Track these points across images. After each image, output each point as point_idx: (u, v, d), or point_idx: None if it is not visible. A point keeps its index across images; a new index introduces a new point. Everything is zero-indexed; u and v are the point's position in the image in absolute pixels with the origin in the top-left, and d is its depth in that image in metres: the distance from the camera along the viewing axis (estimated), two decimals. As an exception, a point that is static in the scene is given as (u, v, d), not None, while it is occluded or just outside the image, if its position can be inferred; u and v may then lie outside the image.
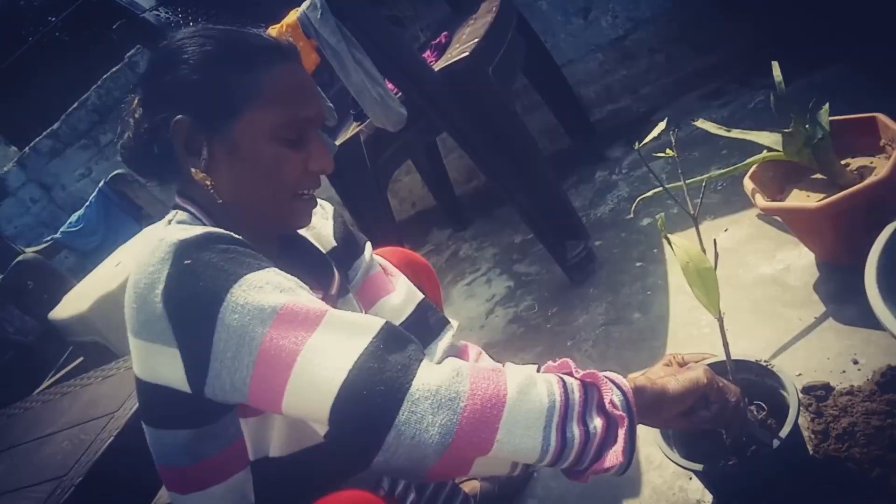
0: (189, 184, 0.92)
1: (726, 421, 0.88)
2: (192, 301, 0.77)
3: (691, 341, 1.43)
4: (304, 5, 1.54)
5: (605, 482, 1.25)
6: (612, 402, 0.77)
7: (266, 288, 0.76)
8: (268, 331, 0.74)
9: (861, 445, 0.97)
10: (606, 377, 0.80)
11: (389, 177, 2.03)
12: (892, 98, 1.70)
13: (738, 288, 1.47)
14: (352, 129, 1.94)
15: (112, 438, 1.19)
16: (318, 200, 1.18)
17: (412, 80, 1.65)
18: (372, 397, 0.71)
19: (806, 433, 1.07)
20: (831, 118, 1.28)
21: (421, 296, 1.16)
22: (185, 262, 0.77)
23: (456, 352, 1.12)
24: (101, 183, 3.25)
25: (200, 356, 0.76)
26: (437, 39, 2.05)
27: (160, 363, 0.80)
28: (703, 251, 0.93)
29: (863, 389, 1.06)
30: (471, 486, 1.36)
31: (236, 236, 0.83)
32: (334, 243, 1.13)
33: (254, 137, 0.88)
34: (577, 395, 0.76)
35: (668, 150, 1.03)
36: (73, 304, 2.50)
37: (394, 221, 2.07)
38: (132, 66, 3.29)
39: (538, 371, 0.83)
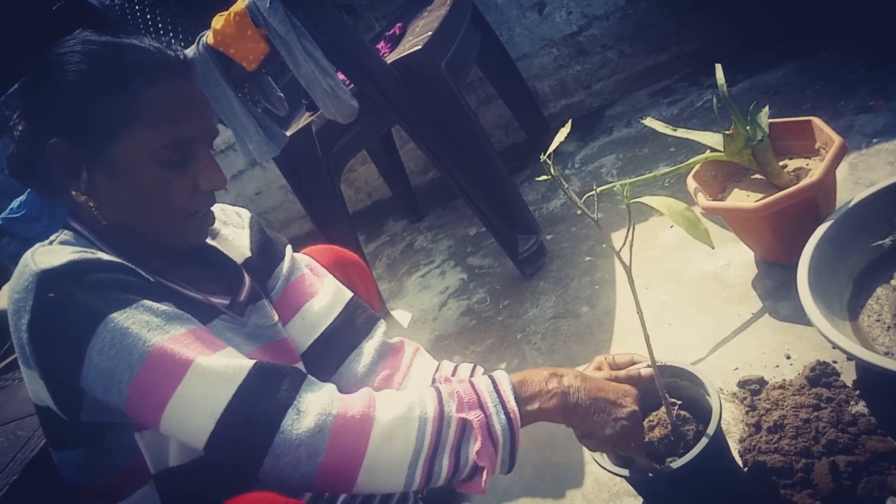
0: (75, 203, 0.89)
1: (615, 447, 0.90)
2: (57, 337, 0.77)
3: (635, 335, 1.46)
4: (254, -7, 1.50)
5: (551, 474, 1.28)
6: (493, 433, 0.80)
7: (132, 329, 0.75)
8: (135, 376, 0.75)
9: (790, 437, 1.01)
10: (499, 394, 0.83)
11: (342, 168, 2.01)
12: (836, 99, 1.77)
13: (680, 283, 1.52)
14: (304, 120, 1.92)
15: (49, 435, 1.15)
16: (235, 208, 1.16)
17: (363, 73, 1.64)
18: (239, 448, 0.75)
19: (740, 425, 1.11)
20: (771, 120, 1.33)
21: (349, 295, 1.15)
22: (49, 294, 0.76)
23: (389, 349, 1.11)
24: (44, 168, 3.15)
25: (70, 389, 0.78)
26: (392, 30, 2.04)
27: (37, 388, 0.81)
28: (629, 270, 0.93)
29: (794, 383, 1.10)
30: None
31: (109, 260, 0.81)
32: (249, 254, 1.09)
33: (134, 160, 0.85)
34: (452, 430, 0.80)
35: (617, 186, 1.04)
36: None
37: (346, 212, 2.06)
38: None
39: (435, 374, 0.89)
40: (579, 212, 1.84)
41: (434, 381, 1.08)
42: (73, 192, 0.86)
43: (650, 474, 0.92)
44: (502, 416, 0.82)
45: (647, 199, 0.92)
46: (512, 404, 0.83)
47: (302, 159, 1.89)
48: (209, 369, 0.76)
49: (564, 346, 1.58)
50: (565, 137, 0.94)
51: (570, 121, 1.00)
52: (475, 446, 0.80)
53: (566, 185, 0.93)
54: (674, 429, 0.97)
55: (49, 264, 0.78)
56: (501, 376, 0.87)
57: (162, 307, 0.79)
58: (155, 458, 0.86)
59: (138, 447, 0.85)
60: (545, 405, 0.85)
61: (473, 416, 0.81)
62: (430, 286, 2.24)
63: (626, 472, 0.95)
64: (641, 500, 1.12)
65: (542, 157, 0.90)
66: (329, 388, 0.81)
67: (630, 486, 1.12)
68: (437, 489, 1.35)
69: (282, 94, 1.74)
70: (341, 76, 1.69)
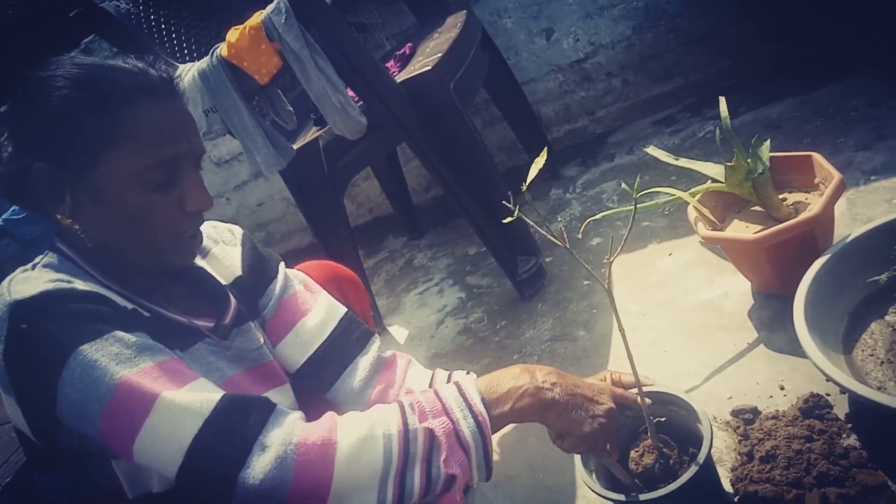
0: (61, 225, 0.89)
1: (591, 447, 0.91)
2: (30, 368, 0.78)
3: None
4: (269, 8, 1.53)
5: (543, 497, 1.28)
6: (462, 439, 0.81)
7: (101, 362, 0.76)
8: (104, 409, 0.75)
9: (781, 468, 1.02)
10: (465, 399, 0.83)
11: (347, 183, 2.03)
12: (836, 136, 1.80)
13: (677, 311, 1.53)
14: (311, 134, 1.94)
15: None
16: (227, 226, 1.16)
17: (373, 91, 1.67)
18: (206, 483, 0.75)
19: (732, 454, 1.12)
20: (772, 154, 1.35)
21: (343, 311, 1.15)
22: (21, 325, 0.77)
23: (383, 364, 1.12)
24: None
25: (46, 418, 0.78)
26: (402, 50, 2.07)
27: (15, 414, 0.82)
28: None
29: (787, 414, 1.11)
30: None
31: (83, 290, 0.81)
32: (239, 273, 1.10)
33: (117, 183, 0.85)
34: (419, 443, 0.80)
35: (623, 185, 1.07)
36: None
37: (349, 227, 2.08)
38: (87, 53, 3.22)
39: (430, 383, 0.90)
40: (580, 235, 1.86)
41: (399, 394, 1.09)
42: (58, 216, 0.87)
43: (640, 497, 0.93)
44: (470, 421, 0.81)
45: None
46: (479, 407, 0.83)
47: (308, 173, 1.91)
48: (174, 403, 0.76)
49: (560, 369, 1.59)
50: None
51: (545, 148, 1.03)
52: (442, 455, 0.79)
53: (531, 223, 0.96)
54: (659, 453, 0.98)
55: (22, 294, 0.78)
56: (466, 381, 0.87)
57: (133, 338, 0.79)
58: (132, 485, 0.86)
59: (115, 473, 0.85)
60: (518, 405, 0.84)
61: (437, 423, 0.81)
62: (428, 304, 2.25)
63: (621, 496, 0.95)
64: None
65: (523, 187, 0.91)
66: (292, 418, 0.80)
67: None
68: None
69: (291, 108, 1.76)
70: (350, 93, 1.72)
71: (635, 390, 1.03)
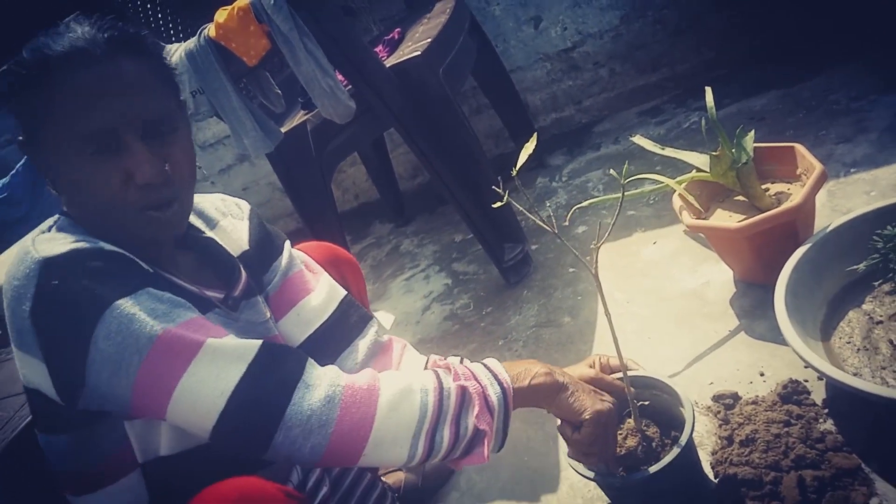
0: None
1: (588, 451, 0.96)
2: (62, 324, 0.77)
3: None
4: (258, -11, 1.52)
5: (527, 479, 1.30)
6: (489, 402, 0.85)
7: (138, 315, 0.76)
8: (144, 360, 0.76)
9: (760, 451, 1.05)
10: (490, 371, 0.89)
11: (335, 168, 2.03)
12: (818, 128, 1.83)
13: (661, 299, 1.55)
14: (298, 118, 1.93)
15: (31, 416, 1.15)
16: (235, 200, 1.16)
17: (363, 75, 1.66)
18: (249, 424, 0.77)
19: (713, 438, 1.15)
20: (756, 144, 1.37)
21: (343, 293, 1.16)
22: (53, 282, 0.77)
23: (380, 348, 1.13)
24: (30, 152, 3.11)
25: (72, 375, 0.78)
26: (390, 35, 2.06)
27: (33, 373, 0.81)
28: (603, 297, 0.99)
29: (766, 399, 1.14)
30: (395, 478, 1.39)
31: (110, 249, 0.81)
32: (246, 247, 1.10)
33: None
34: (452, 400, 0.84)
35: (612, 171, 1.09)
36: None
37: (336, 212, 2.08)
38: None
39: (426, 366, 0.92)
40: (567, 223, 1.88)
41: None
42: (48, 186, 0.88)
43: (623, 473, 0.95)
44: (497, 388, 0.87)
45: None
46: (504, 376, 0.88)
47: (295, 157, 1.91)
48: (220, 349, 0.78)
49: (546, 355, 1.61)
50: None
51: (534, 134, 1.05)
52: (475, 411, 0.84)
53: (521, 209, 0.99)
54: (642, 436, 1.00)
55: (51, 252, 0.78)
56: (490, 360, 0.93)
57: (166, 295, 0.81)
58: (144, 448, 0.87)
59: (127, 437, 0.86)
60: (534, 381, 0.90)
61: (469, 385, 0.86)
62: (414, 290, 2.26)
63: (604, 478, 0.98)
64: (615, 506, 1.14)
65: (513, 173, 0.94)
66: (334, 367, 0.84)
67: (603, 494, 1.15)
68: (411, 491, 1.37)
69: (279, 91, 1.76)
70: (340, 77, 1.72)
71: (621, 374, 1.05)
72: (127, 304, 0.76)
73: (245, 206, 1.17)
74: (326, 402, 0.78)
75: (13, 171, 3.36)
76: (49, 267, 0.77)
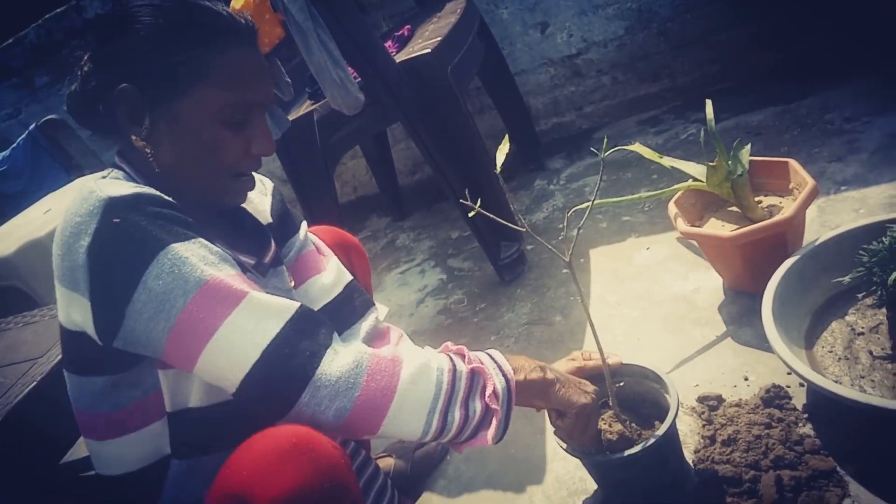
0: (129, 146, 0.94)
1: (571, 435, 1.02)
2: (116, 260, 0.80)
3: (606, 347, 1.53)
4: (275, -21, 1.55)
5: (514, 470, 1.34)
6: (494, 390, 0.89)
7: (191, 259, 0.80)
8: (189, 302, 0.78)
9: (741, 451, 1.09)
10: (495, 362, 0.93)
11: (338, 158, 2.06)
12: (811, 146, 1.88)
13: (651, 302, 1.60)
14: (305, 107, 1.96)
15: (35, 383, 1.17)
16: (259, 176, 1.20)
17: (373, 69, 1.69)
18: (278, 380, 0.79)
19: (696, 437, 1.19)
20: (751, 158, 1.42)
21: (350, 277, 1.21)
22: (114, 220, 0.80)
23: (378, 333, 1.17)
24: (32, 126, 3.10)
25: (114, 312, 0.80)
26: (400, 31, 2.10)
27: (76, 310, 0.84)
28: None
29: (749, 403, 1.19)
30: (384, 464, 1.42)
31: (168, 199, 0.85)
32: (270, 220, 1.15)
33: (197, 116, 0.89)
34: (463, 382, 0.88)
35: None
36: (-6, 244, 2.39)
37: (337, 203, 2.10)
38: (78, 10, 3.16)
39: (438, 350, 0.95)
40: (562, 225, 1.92)
41: None
42: (133, 137, 0.91)
43: (608, 452, 1.01)
44: (501, 378, 0.91)
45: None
46: (507, 367, 0.93)
47: (300, 145, 1.94)
48: (263, 302, 0.81)
49: (536, 352, 1.65)
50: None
51: (506, 136, 1.10)
52: (484, 395, 0.88)
53: (513, 208, 1.04)
54: (620, 420, 1.05)
55: (116, 192, 0.82)
56: (494, 351, 0.97)
57: (215, 248, 0.85)
58: (174, 397, 0.90)
59: (159, 385, 0.89)
60: (530, 376, 0.95)
61: (480, 370, 0.90)
62: (408, 283, 2.29)
63: (590, 457, 1.03)
64: (599, 496, 1.18)
65: (497, 171, 1.02)
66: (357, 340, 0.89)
67: (589, 485, 1.19)
68: (400, 477, 1.40)
69: (289, 80, 1.78)
70: (350, 69, 1.74)
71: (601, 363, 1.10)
72: (181, 248, 0.80)
73: (268, 183, 1.22)
74: (355, 366, 0.81)
75: (13, 145, 3.37)
76: (113, 205, 0.80)
